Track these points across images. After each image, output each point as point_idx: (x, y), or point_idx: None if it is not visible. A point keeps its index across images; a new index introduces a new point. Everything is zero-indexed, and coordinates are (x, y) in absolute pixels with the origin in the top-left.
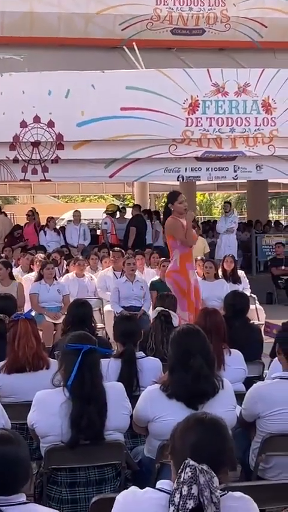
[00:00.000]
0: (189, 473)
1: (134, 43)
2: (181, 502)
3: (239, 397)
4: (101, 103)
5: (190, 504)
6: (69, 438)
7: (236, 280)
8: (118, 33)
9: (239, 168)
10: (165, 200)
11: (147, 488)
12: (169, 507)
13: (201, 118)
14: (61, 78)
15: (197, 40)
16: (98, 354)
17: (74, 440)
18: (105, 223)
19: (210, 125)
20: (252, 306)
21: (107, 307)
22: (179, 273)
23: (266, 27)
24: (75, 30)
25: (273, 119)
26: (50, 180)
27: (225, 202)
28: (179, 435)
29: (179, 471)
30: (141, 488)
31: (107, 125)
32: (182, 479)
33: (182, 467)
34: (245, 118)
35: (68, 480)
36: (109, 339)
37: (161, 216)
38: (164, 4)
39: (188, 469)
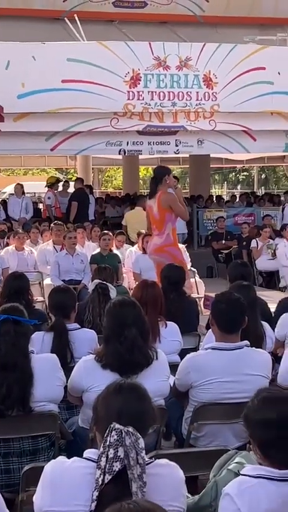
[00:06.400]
0: (115, 436)
1: (75, 15)
2: (107, 465)
3: (174, 368)
4: (42, 75)
5: (117, 466)
6: None
7: None
8: (59, 5)
9: (180, 142)
10: (152, 173)
11: (74, 457)
12: (96, 472)
13: (142, 91)
14: (1, 49)
15: (139, 13)
16: (20, 324)
17: None
18: (49, 197)
19: (152, 99)
20: (192, 280)
21: (47, 281)
22: (174, 246)
23: (208, 1)
24: (16, 1)
25: (214, 93)
26: None
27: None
28: (102, 404)
29: (105, 435)
30: None
31: (48, 97)
32: (108, 442)
33: (107, 431)
34: (187, 92)
35: (2, 450)
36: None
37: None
38: None
39: (113, 433)
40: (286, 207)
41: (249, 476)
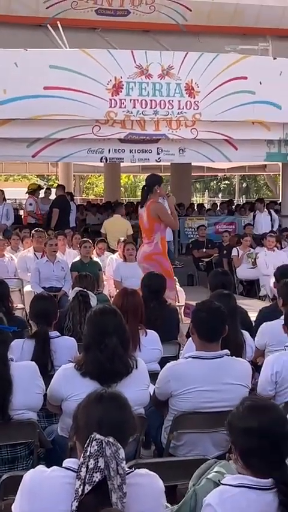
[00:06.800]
0: (96, 447)
1: (58, 22)
2: (87, 476)
3: (154, 376)
4: (24, 81)
5: (97, 477)
6: None
7: None
8: (42, 12)
9: (162, 150)
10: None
11: (54, 467)
12: (76, 482)
13: (124, 99)
14: None
15: (122, 21)
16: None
17: None
18: (30, 204)
19: (134, 107)
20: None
21: (27, 288)
22: (162, 255)
23: (191, 10)
24: None
25: (196, 102)
26: None
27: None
28: (82, 413)
29: (85, 445)
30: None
31: (29, 104)
32: (88, 453)
33: (88, 441)
34: (168, 101)
35: None
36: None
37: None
38: None
39: (94, 443)
40: (257, 214)
41: (230, 485)
